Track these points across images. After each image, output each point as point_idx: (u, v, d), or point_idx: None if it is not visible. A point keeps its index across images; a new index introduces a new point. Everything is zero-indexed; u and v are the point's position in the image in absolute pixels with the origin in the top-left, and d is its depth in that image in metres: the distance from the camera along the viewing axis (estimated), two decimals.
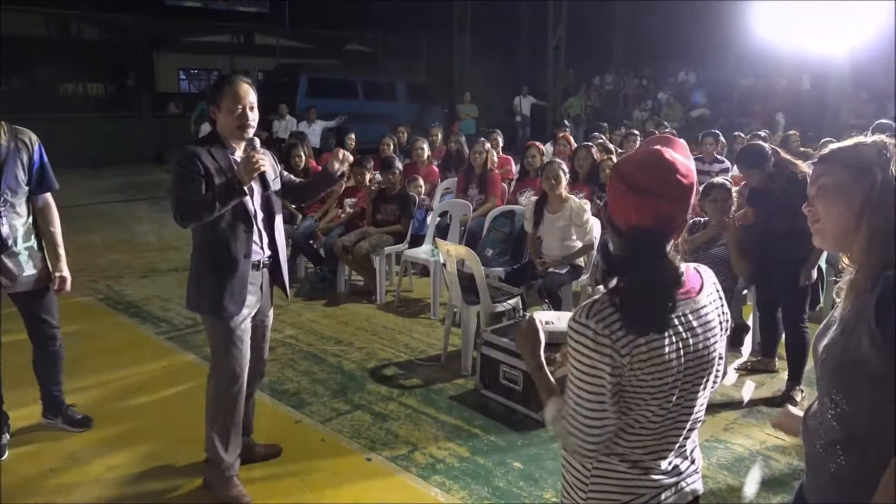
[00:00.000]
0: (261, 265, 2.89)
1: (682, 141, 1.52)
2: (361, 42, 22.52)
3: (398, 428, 3.60)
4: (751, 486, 3.15)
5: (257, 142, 2.82)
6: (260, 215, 2.87)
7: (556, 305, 4.56)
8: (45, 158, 3.23)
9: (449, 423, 3.66)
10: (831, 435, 1.40)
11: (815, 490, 1.51)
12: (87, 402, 3.76)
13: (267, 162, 2.83)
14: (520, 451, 3.39)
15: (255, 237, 2.83)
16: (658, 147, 1.45)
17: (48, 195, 3.30)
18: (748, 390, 4.12)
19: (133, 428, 3.55)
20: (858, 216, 1.33)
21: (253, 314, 2.93)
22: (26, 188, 3.16)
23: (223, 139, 2.78)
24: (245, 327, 2.88)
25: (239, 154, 2.79)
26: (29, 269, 3.20)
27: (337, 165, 2.95)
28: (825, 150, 1.48)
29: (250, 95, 2.73)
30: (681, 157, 1.44)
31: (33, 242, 3.23)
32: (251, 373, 3.09)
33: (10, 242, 3.06)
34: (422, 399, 3.95)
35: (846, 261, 1.44)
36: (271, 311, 3.12)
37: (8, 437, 3.30)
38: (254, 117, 2.75)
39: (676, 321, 1.42)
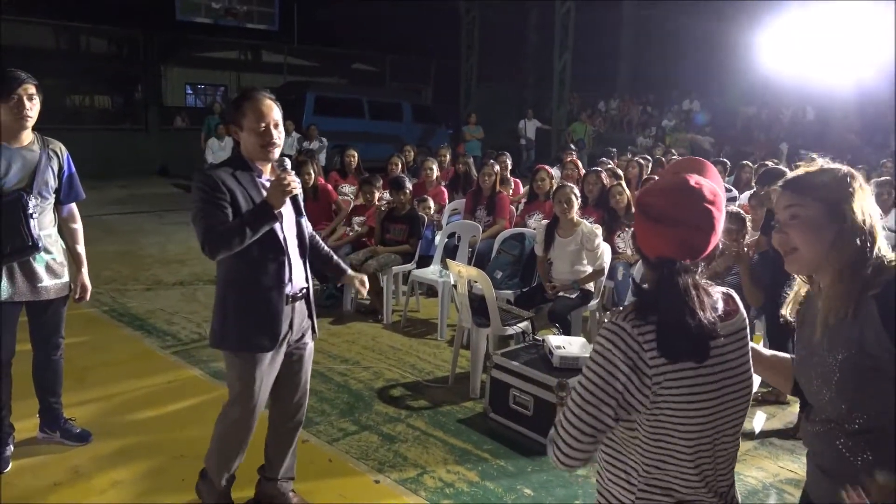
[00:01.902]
0: (291, 298, 2.64)
1: (711, 165, 1.50)
2: (368, 62, 22.72)
3: (406, 450, 3.55)
4: None
5: (287, 162, 2.55)
6: (292, 243, 2.65)
7: (566, 330, 4.53)
8: (74, 168, 3.25)
9: (458, 447, 3.61)
10: (856, 434, 1.44)
11: (833, 492, 1.49)
12: (91, 415, 3.72)
13: (299, 185, 2.61)
14: (530, 477, 3.34)
15: (287, 267, 2.60)
16: (683, 174, 1.43)
17: (73, 205, 3.31)
18: (759, 421, 4.07)
19: (137, 443, 3.50)
20: (830, 249, 1.43)
21: (282, 349, 2.70)
22: (54, 196, 3.16)
23: (247, 161, 2.58)
24: (272, 363, 2.66)
25: (266, 177, 2.60)
26: (53, 279, 3.18)
27: (352, 276, 2.98)
28: (791, 176, 1.52)
29: (274, 112, 2.53)
30: (707, 182, 1.41)
31: (58, 252, 3.22)
32: (285, 408, 2.86)
33: (40, 244, 3.05)
34: (430, 421, 3.90)
35: (804, 279, 1.57)
36: (309, 340, 2.83)
37: (12, 448, 3.26)
38: (279, 135, 2.55)
39: (714, 346, 1.39)
